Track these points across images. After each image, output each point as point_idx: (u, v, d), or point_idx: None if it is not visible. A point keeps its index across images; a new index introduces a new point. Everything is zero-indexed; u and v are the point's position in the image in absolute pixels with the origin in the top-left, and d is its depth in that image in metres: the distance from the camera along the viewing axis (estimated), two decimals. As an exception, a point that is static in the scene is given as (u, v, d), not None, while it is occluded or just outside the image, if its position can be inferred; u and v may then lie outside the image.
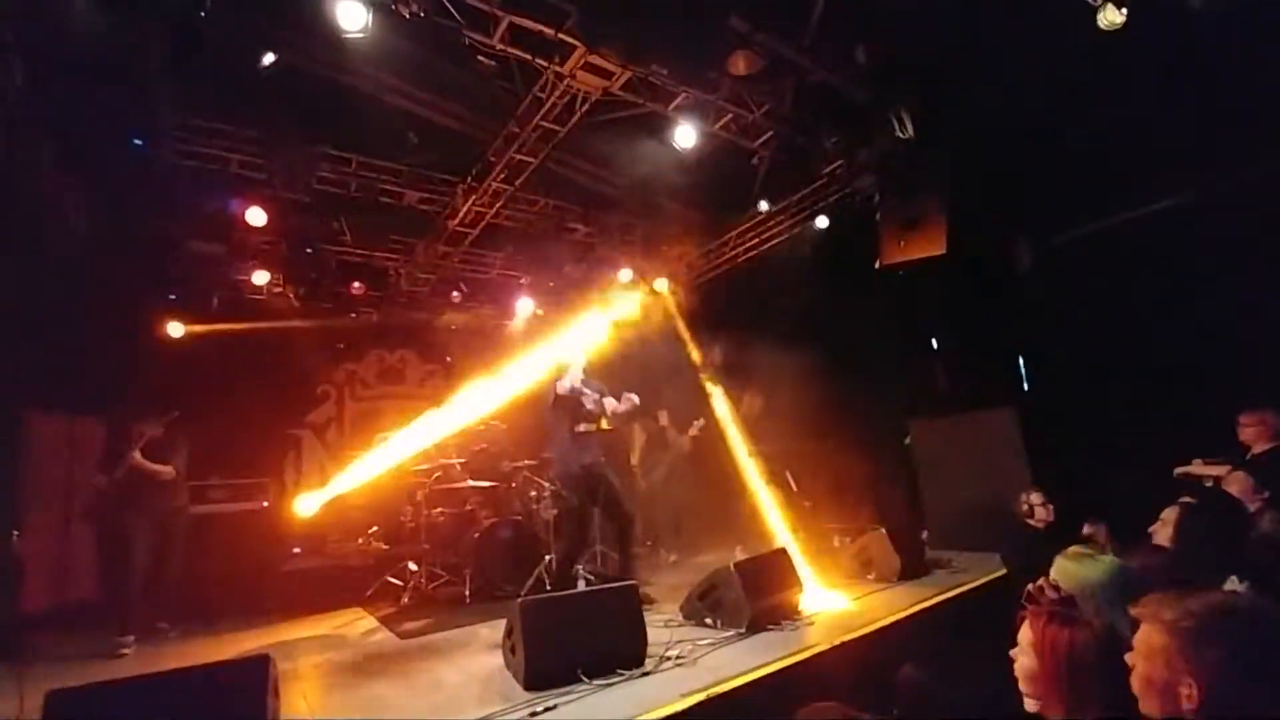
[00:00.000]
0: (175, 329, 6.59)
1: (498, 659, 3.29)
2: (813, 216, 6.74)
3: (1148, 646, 1.33)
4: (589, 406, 4.54)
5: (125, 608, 4.29)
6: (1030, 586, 1.66)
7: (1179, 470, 4.04)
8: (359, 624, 4.75)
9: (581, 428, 4.58)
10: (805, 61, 4.87)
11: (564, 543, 4.77)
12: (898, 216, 5.84)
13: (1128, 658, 1.38)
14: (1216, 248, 4.60)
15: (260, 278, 6.77)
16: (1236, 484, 3.25)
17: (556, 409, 4.58)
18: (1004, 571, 4.28)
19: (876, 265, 5.98)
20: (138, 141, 4.69)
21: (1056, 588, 1.63)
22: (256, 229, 5.92)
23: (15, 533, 4.67)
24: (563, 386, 4.46)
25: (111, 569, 4.59)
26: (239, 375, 6.90)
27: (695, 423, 6.72)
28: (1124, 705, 1.38)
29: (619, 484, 4.72)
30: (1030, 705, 1.54)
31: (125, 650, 4.11)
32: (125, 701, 2.03)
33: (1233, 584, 2.09)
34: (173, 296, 6.65)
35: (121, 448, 4.40)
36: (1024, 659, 1.57)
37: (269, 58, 4.21)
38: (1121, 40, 4.27)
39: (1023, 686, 1.56)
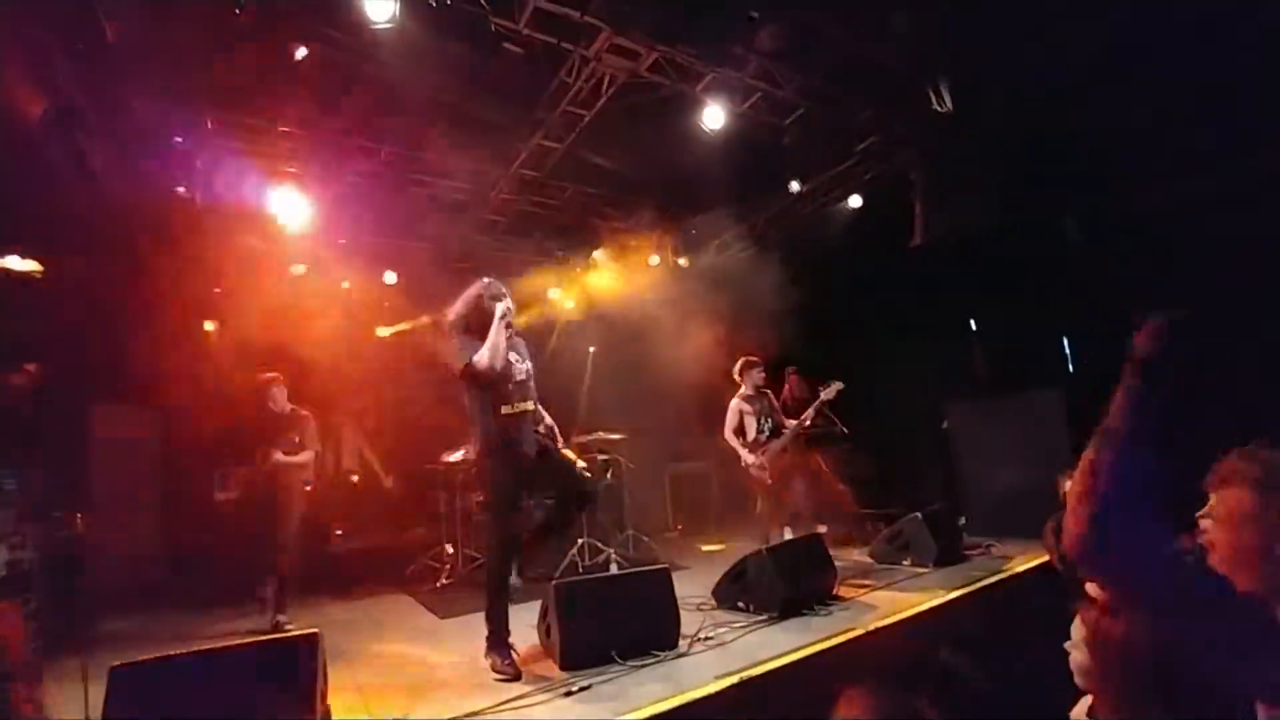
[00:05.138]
0: (220, 322, 6.83)
1: (533, 639, 3.36)
2: (846, 195, 6.57)
3: (1235, 514, 1.20)
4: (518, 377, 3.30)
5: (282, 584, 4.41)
6: None
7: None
8: (399, 604, 4.90)
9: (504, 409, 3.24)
10: (838, 33, 4.72)
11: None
12: (934, 193, 5.65)
13: (1203, 524, 1.26)
14: (1274, 226, 4.33)
15: (298, 269, 6.94)
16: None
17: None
18: (1048, 559, 4.17)
19: (912, 243, 5.81)
20: (178, 139, 4.82)
21: None
22: (295, 221, 6.05)
23: (79, 516, 4.93)
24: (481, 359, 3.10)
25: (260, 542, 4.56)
26: (280, 365, 7.11)
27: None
28: (1183, 705, 1.32)
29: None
30: (1085, 702, 1.49)
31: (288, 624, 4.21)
32: (186, 675, 2.14)
33: None
34: (217, 290, 6.87)
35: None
36: (1077, 654, 1.49)
37: (301, 51, 4.26)
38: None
39: (1078, 682, 1.49)
